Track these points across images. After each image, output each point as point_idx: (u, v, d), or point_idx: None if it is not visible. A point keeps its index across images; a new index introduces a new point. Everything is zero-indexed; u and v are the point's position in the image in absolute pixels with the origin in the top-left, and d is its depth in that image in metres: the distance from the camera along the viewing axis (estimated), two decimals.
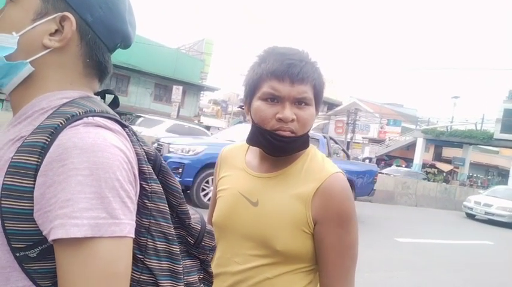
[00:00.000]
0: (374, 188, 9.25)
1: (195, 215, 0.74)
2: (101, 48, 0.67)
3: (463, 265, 6.51)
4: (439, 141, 31.44)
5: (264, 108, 0.93)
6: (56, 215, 0.51)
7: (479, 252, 8.08)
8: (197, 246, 0.72)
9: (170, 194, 0.67)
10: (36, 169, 0.53)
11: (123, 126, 0.64)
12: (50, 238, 0.52)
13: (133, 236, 0.56)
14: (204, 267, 0.74)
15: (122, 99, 26.06)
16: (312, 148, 1.02)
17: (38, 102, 0.62)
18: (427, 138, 30.69)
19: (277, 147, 0.95)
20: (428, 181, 22.71)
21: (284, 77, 0.91)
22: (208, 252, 0.74)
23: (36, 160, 0.54)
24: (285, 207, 0.94)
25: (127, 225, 0.55)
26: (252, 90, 0.97)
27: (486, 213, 13.83)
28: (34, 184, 0.53)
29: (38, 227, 0.53)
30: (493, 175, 41.30)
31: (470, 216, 14.42)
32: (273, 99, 0.93)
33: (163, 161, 0.69)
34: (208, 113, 41.90)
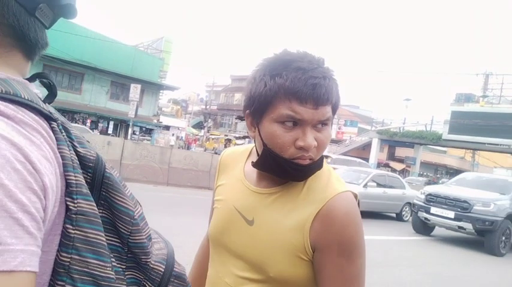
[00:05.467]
0: None
1: (161, 250, 0.56)
2: (11, 8, 0.48)
3: (420, 260, 6.79)
4: (393, 141, 33.04)
5: (282, 134, 0.80)
6: None
7: (431, 247, 8.49)
8: None
9: (117, 218, 0.50)
10: None
11: (47, 118, 0.48)
12: None
13: (36, 270, 0.39)
14: None
15: (76, 98, 25.52)
16: None
17: None
18: (382, 138, 32.10)
19: (294, 176, 0.84)
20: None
21: (308, 100, 0.78)
22: None
23: None
24: (280, 230, 0.84)
25: (19, 253, 0.37)
26: (261, 108, 0.82)
27: None
28: None
29: None
30: (441, 173, 43.87)
31: None
32: (293, 123, 0.80)
33: (111, 170, 0.52)
34: (168, 112, 41.19)
